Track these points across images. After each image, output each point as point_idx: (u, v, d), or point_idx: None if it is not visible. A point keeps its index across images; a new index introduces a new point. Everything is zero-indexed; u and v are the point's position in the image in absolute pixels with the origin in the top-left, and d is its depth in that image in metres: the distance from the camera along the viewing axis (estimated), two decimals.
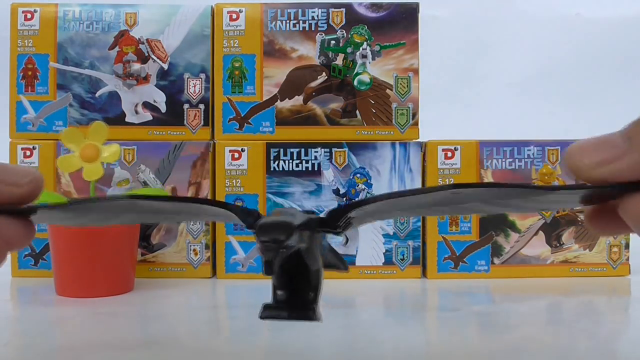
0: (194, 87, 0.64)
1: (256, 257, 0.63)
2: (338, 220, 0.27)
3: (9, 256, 0.63)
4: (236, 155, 0.63)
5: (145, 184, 0.63)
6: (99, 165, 0.56)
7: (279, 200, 0.63)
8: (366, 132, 0.64)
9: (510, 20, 1.18)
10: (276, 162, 0.63)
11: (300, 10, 0.64)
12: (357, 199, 0.28)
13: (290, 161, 0.63)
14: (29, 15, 0.64)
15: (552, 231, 0.63)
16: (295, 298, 0.27)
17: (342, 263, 0.34)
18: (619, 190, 0.24)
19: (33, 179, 0.24)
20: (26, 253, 0.63)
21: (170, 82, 0.64)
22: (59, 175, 0.63)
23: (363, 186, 0.63)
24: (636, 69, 1.19)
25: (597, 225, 0.27)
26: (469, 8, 1.18)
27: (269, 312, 0.27)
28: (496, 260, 0.63)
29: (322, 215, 0.28)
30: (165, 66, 0.64)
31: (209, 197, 0.63)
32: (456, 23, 1.18)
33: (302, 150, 0.63)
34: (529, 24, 1.18)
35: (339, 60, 0.64)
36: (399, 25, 0.64)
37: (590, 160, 0.24)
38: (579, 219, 0.63)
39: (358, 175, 0.63)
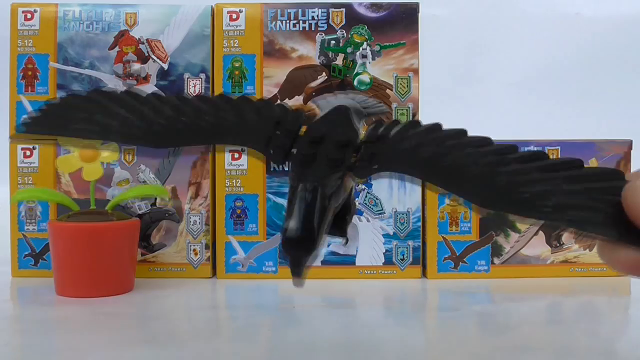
0: (194, 87, 0.64)
1: (256, 257, 0.63)
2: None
3: (9, 256, 0.63)
4: (236, 155, 0.63)
5: (145, 184, 0.63)
6: (98, 165, 0.56)
7: (279, 200, 0.63)
8: None
9: (510, 20, 1.18)
10: None
11: (300, 10, 0.64)
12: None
13: None
14: (29, 15, 0.64)
15: (552, 231, 0.63)
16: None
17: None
18: None
19: None
20: (26, 253, 0.63)
21: (170, 82, 0.64)
22: (59, 175, 0.63)
23: (363, 186, 0.63)
24: (637, 68, 1.19)
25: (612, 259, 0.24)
26: (469, 7, 1.18)
27: None
28: (496, 260, 0.63)
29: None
30: (165, 66, 0.64)
31: (208, 198, 0.63)
32: (456, 23, 1.18)
33: None
34: (529, 23, 1.18)
35: (339, 60, 0.64)
36: (399, 25, 0.64)
37: None
38: None
39: None
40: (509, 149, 0.26)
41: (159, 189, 0.61)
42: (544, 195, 0.24)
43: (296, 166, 0.27)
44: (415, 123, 0.28)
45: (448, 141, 0.26)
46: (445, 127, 0.28)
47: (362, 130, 0.29)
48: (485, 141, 0.26)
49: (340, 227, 0.31)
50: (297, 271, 0.27)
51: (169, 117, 0.31)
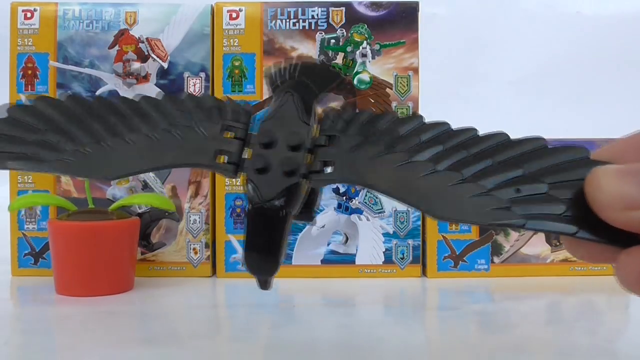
0: (193, 86, 0.64)
1: None
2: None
3: (9, 255, 0.63)
4: None
5: (145, 182, 0.63)
6: None
7: None
8: None
9: (510, 19, 1.18)
10: None
11: (300, 9, 0.64)
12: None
13: None
14: (28, 14, 0.64)
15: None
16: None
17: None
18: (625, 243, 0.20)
19: None
20: (26, 252, 0.63)
21: (170, 81, 0.64)
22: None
23: None
24: (637, 67, 1.19)
25: (581, 251, 0.23)
26: (468, 6, 1.18)
27: None
28: (496, 259, 0.63)
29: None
30: (165, 65, 0.64)
31: (208, 197, 0.63)
32: (456, 21, 1.18)
33: None
34: (529, 22, 1.18)
35: (339, 59, 0.63)
36: (399, 24, 0.64)
37: (618, 198, 0.19)
38: None
39: None
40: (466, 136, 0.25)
41: (166, 202, 0.60)
42: (499, 190, 0.24)
43: (251, 179, 0.27)
44: (366, 118, 0.27)
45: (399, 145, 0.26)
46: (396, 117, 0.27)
47: (315, 120, 0.28)
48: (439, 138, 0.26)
49: (306, 216, 0.29)
50: (266, 288, 0.27)
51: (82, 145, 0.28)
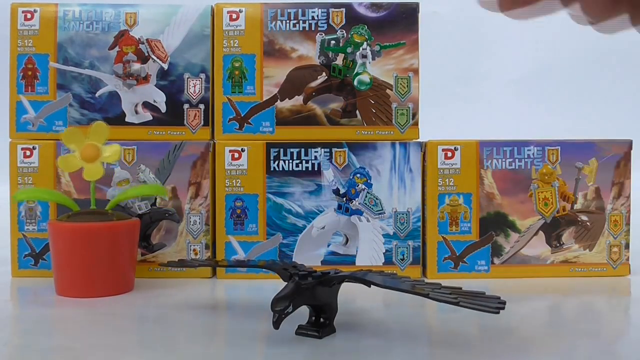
0: (194, 87, 0.64)
1: (256, 256, 0.63)
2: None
3: (9, 256, 0.63)
4: (236, 155, 0.63)
5: (144, 183, 0.63)
6: (99, 166, 0.56)
7: (279, 200, 0.63)
8: (366, 132, 0.64)
9: (510, 18, 1.18)
10: (276, 162, 0.63)
11: (300, 10, 0.64)
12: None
13: (290, 161, 0.63)
14: (28, 15, 0.64)
15: (552, 231, 0.63)
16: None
17: None
18: None
19: None
20: (26, 253, 0.63)
21: (170, 82, 0.64)
22: (59, 175, 0.63)
23: (363, 186, 0.63)
24: (637, 67, 1.19)
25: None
26: (469, 6, 1.18)
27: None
28: (496, 260, 0.63)
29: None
30: (165, 66, 0.64)
31: (208, 198, 0.63)
32: (456, 21, 1.18)
33: (302, 150, 0.63)
34: (529, 22, 1.18)
35: (339, 60, 0.64)
36: (399, 25, 0.64)
37: None
38: (579, 219, 0.63)
39: (358, 175, 0.63)
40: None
41: (158, 188, 0.61)
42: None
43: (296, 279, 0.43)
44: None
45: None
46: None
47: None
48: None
49: (315, 325, 0.43)
50: (275, 325, 0.40)
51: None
